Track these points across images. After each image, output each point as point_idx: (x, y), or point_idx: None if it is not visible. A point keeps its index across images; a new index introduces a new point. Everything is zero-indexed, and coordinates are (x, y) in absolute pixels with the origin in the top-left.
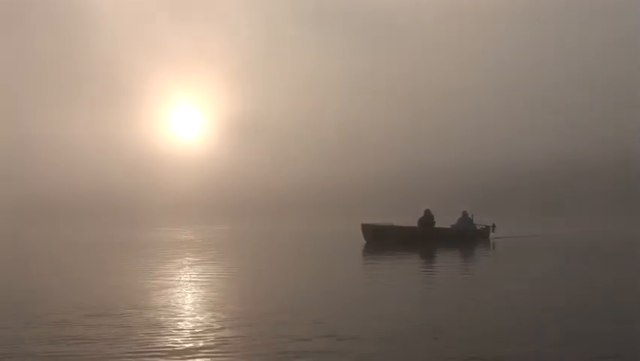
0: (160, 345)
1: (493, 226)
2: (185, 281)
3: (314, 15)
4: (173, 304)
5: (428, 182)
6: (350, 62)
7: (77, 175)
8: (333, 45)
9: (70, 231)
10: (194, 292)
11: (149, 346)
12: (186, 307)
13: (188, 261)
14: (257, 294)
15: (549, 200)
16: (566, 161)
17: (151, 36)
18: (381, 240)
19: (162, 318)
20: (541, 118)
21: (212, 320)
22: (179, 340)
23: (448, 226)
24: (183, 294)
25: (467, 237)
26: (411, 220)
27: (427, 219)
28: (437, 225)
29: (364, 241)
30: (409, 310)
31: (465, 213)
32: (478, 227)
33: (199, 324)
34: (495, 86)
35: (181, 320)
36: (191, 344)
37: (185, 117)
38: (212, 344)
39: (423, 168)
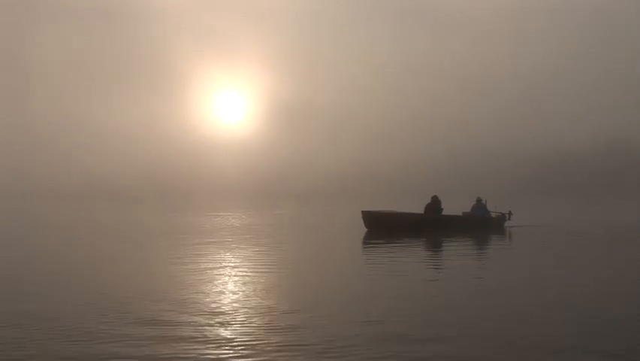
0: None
1: (510, 214)
2: (266, 273)
3: (363, 0)
4: (281, 305)
5: (481, 168)
6: (400, 48)
7: (129, 159)
8: (383, 32)
9: (129, 215)
10: (287, 291)
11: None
12: (287, 306)
13: (260, 250)
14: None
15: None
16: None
17: (199, 25)
18: (381, 227)
19: (277, 319)
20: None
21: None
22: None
23: (460, 213)
24: (280, 291)
25: (478, 225)
26: (419, 207)
27: (434, 205)
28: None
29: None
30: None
31: (479, 200)
32: (493, 215)
33: (304, 324)
34: (539, 78)
35: (293, 324)
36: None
37: (229, 102)
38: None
39: (474, 154)
